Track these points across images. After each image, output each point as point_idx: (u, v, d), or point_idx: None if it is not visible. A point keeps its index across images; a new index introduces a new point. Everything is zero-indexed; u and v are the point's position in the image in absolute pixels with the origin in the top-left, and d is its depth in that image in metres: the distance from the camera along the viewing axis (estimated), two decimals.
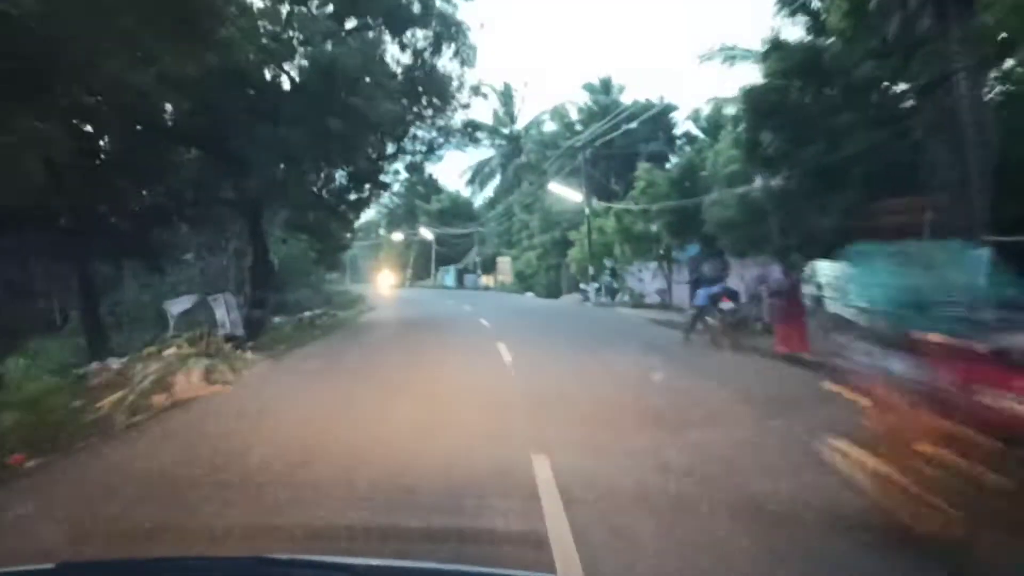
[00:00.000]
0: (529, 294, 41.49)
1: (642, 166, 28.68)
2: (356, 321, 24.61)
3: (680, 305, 27.09)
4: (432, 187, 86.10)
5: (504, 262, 55.84)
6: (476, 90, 23.45)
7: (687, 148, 47.11)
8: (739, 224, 17.78)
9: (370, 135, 17.87)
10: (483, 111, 64.53)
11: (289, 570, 2.12)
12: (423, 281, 72.45)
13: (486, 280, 60.02)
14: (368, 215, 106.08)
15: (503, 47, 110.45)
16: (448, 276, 69.82)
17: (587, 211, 32.26)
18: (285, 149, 15.02)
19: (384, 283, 68.68)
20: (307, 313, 29.51)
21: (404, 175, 30.31)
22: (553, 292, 40.17)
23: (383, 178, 27.03)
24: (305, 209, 22.44)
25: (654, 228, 27.33)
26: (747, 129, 16.95)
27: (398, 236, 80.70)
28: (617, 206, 28.62)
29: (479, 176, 60.34)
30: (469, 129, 23.77)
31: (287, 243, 47.67)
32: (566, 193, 33.97)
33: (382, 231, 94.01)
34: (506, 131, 59.50)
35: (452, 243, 67.89)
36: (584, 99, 46.86)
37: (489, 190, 64.32)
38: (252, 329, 19.75)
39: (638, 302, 28.86)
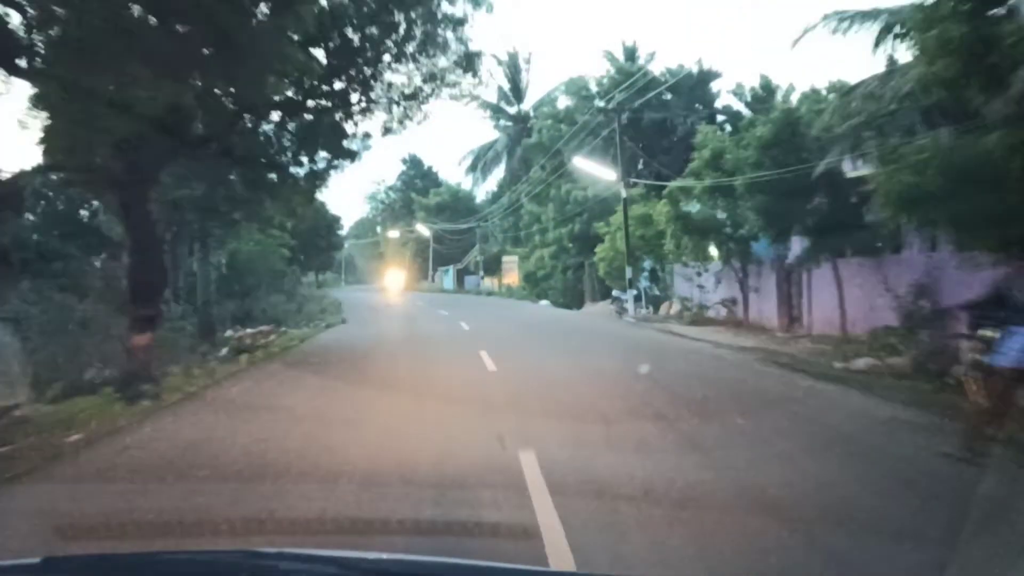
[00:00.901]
0: (543, 302, 33.58)
1: (704, 129, 20.95)
2: (303, 346, 16.86)
3: (762, 323, 19.34)
4: (430, 179, 78.86)
5: (510, 262, 48.07)
6: None
7: (727, 127, 39.57)
8: (937, 197, 10.00)
9: (281, 27, 9.91)
10: (486, 88, 56.81)
11: (277, 563, 2.09)
12: (419, 283, 64.38)
13: (490, 283, 52.17)
14: (363, 211, 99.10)
15: (508, 18, 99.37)
16: (447, 277, 62.11)
17: (623, 194, 24.47)
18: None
19: (393, 284, 60.89)
20: (248, 330, 22.01)
21: (378, 139, 22.51)
22: (573, 300, 32.40)
23: (347, 144, 19.37)
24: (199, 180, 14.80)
25: (721, 214, 19.59)
26: (967, 18, 9.28)
27: (394, 234, 73.09)
28: (675, 184, 20.81)
29: (481, 162, 52.50)
30: (465, 59, 16.04)
31: (257, 242, 40.32)
32: (595, 170, 26.15)
33: (379, 229, 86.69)
34: (512, 111, 51.74)
35: (451, 241, 60.10)
36: (606, 69, 39.07)
37: (492, 182, 56.57)
38: (133, 372, 12.29)
39: (697, 317, 21.09)
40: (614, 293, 25.96)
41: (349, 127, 19.45)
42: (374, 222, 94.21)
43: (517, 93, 51.33)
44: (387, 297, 47.40)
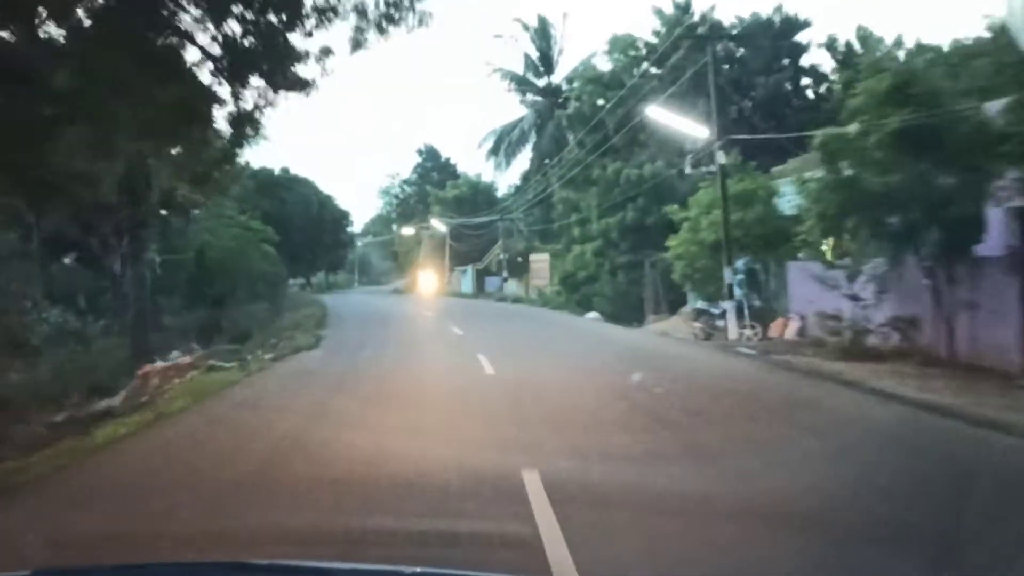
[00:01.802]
0: (591, 315, 25.59)
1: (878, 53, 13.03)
2: (188, 417, 9.23)
3: (978, 359, 11.51)
4: (448, 171, 71.74)
5: (540, 261, 40.30)
6: None
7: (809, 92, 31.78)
8: None
9: None
10: (511, 55, 48.44)
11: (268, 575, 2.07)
12: (434, 285, 56.49)
13: (515, 286, 44.33)
14: (377, 207, 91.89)
15: None
16: (465, 279, 54.41)
17: (720, 159, 16.62)
18: None
19: (410, 287, 52.90)
20: (159, 364, 14.84)
21: (350, 64, 14.85)
22: (627, 310, 24.55)
23: (297, 68, 11.90)
24: None
25: (895, 179, 11.73)
26: None
27: (408, 230, 65.79)
28: (829, 131, 12.87)
29: (504, 144, 44.68)
30: None
31: (234, 237, 33.30)
32: (679, 124, 18.21)
33: (394, 226, 79.56)
34: (540, 83, 43.98)
35: (470, 237, 52.28)
36: (656, 25, 31.14)
37: (514, 174, 48.83)
38: None
39: (854, 346, 13.20)
40: (698, 305, 18.13)
41: (297, 39, 12.12)
42: (389, 219, 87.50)
43: (547, 63, 43.61)
44: (393, 305, 39.82)
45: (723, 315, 17.23)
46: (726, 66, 30.02)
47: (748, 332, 16.59)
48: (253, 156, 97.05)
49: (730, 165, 18.81)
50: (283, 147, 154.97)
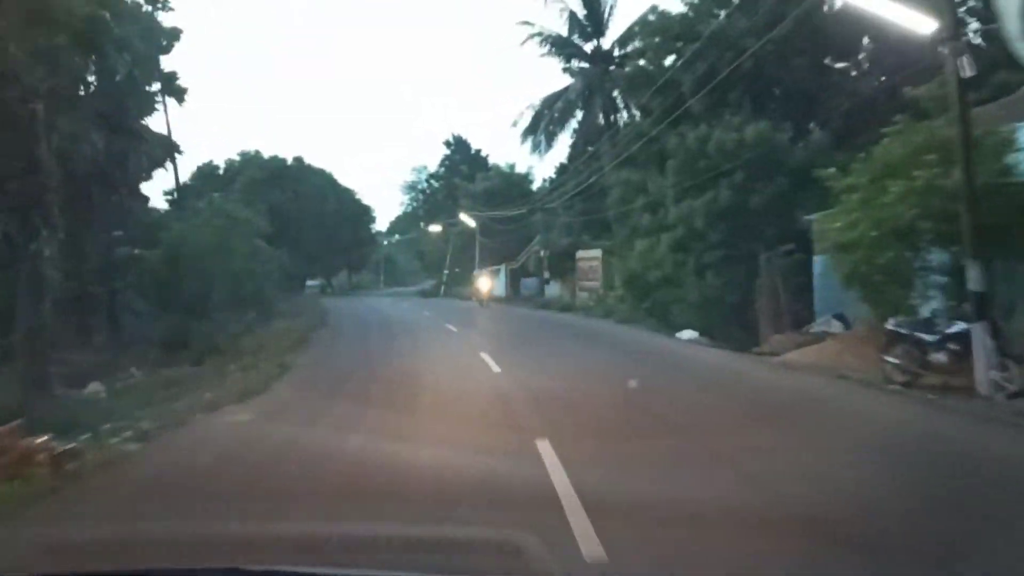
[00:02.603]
0: (687, 334, 17.98)
1: None
2: None
3: None
4: (478, 163, 65.50)
5: (589, 259, 33.27)
6: None
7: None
8: None
9: None
10: (551, 16, 41.34)
11: None
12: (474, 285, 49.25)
13: (559, 289, 37.20)
14: (403, 203, 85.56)
15: None
16: (497, 282, 47.38)
17: (964, 70, 9.44)
18: None
19: (483, 288, 43.67)
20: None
21: None
22: (726, 324, 17.42)
23: None
24: None
25: None
26: None
27: (435, 227, 59.67)
28: None
29: (544, 120, 37.51)
30: None
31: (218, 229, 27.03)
32: (893, 14, 10.92)
33: (422, 224, 73.71)
34: (588, 48, 36.91)
35: (501, 232, 45.27)
36: None
37: (548, 168, 41.84)
38: None
39: None
40: (892, 326, 10.90)
41: None
42: (416, 216, 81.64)
43: (596, 23, 36.50)
44: (409, 312, 33.16)
45: (943, 343, 10.16)
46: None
47: (997, 376, 9.47)
48: (264, 145, 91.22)
49: (932, 100, 11.70)
50: (299, 144, 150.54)
